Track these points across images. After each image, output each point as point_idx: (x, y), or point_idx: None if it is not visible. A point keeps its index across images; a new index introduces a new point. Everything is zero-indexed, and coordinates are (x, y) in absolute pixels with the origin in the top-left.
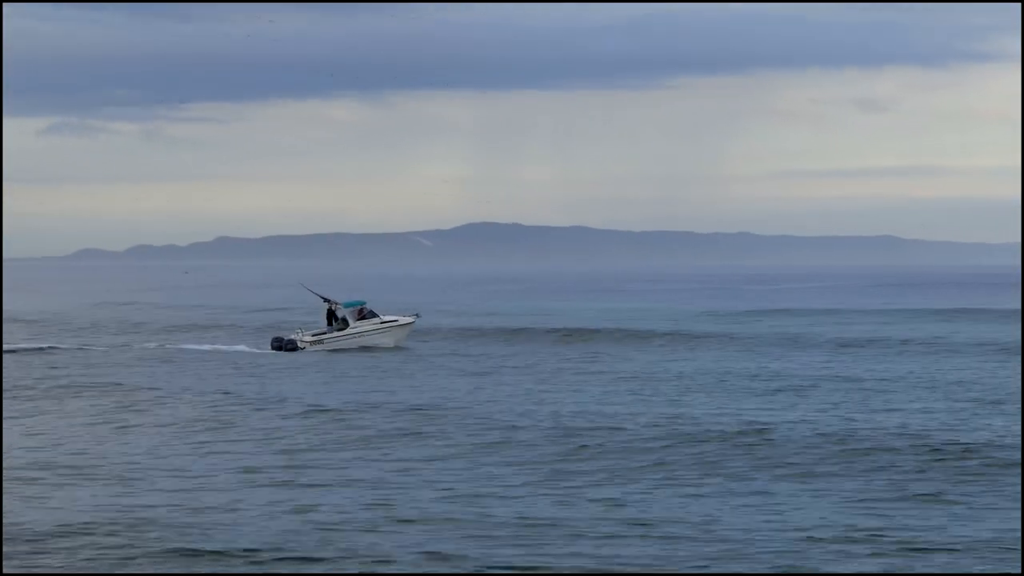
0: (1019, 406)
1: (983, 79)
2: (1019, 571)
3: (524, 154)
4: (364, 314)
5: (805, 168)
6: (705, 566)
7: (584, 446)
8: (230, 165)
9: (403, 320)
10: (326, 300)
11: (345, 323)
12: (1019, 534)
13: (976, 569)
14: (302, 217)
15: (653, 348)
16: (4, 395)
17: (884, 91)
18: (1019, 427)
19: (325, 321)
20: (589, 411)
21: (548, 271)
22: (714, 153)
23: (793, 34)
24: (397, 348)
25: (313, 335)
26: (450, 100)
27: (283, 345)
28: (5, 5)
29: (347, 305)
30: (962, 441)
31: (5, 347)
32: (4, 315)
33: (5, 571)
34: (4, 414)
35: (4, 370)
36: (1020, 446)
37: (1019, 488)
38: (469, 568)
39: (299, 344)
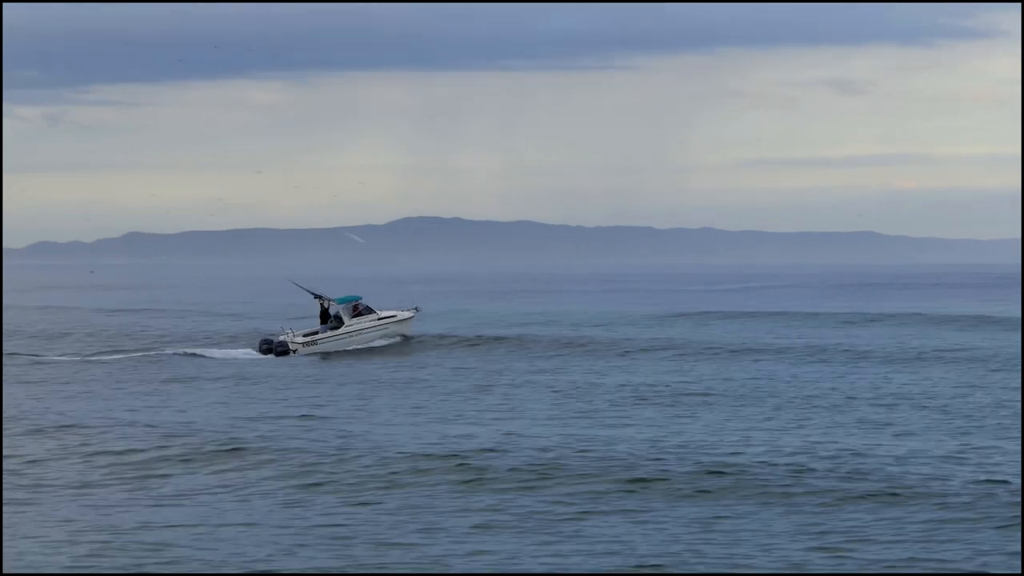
0: (899, 430)
1: (971, 59)
2: (1019, 571)
3: (466, 142)
4: (359, 310)
5: (775, 157)
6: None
7: (474, 480)
8: (142, 153)
9: (402, 315)
10: (318, 297)
11: (339, 321)
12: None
13: (976, 569)
14: (220, 211)
15: (542, 358)
16: None
17: (861, 72)
18: (918, 455)
19: (319, 320)
20: (451, 436)
21: (490, 270)
22: (675, 141)
23: (761, 9)
24: (399, 342)
25: (305, 335)
26: (384, 81)
27: (273, 348)
28: None
29: (340, 301)
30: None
31: None
32: None
33: (5, 571)
34: None
35: None
36: (1020, 450)
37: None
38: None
39: (290, 346)
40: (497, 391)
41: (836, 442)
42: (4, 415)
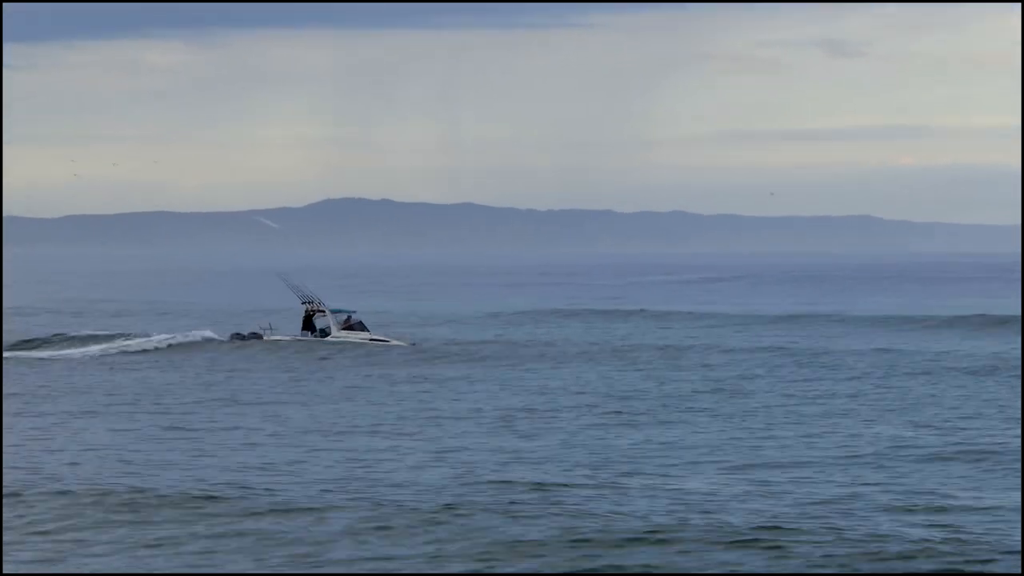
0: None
1: (981, 17)
2: (1019, 571)
3: (397, 112)
4: (351, 325)
5: (755, 129)
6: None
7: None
8: (20, 125)
9: (394, 342)
10: (307, 302)
11: (323, 333)
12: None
13: (976, 569)
14: (111, 191)
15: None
16: None
17: (856, 31)
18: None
19: (301, 325)
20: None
21: (420, 260)
22: (639, 111)
23: None
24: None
25: (283, 336)
26: (301, 41)
27: (245, 340)
28: None
29: (334, 311)
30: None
31: None
32: None
33: (5, 571)
34: None
35: None
36: (1020, 451)
37: None
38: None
39: (264, 336)
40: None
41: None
42: None
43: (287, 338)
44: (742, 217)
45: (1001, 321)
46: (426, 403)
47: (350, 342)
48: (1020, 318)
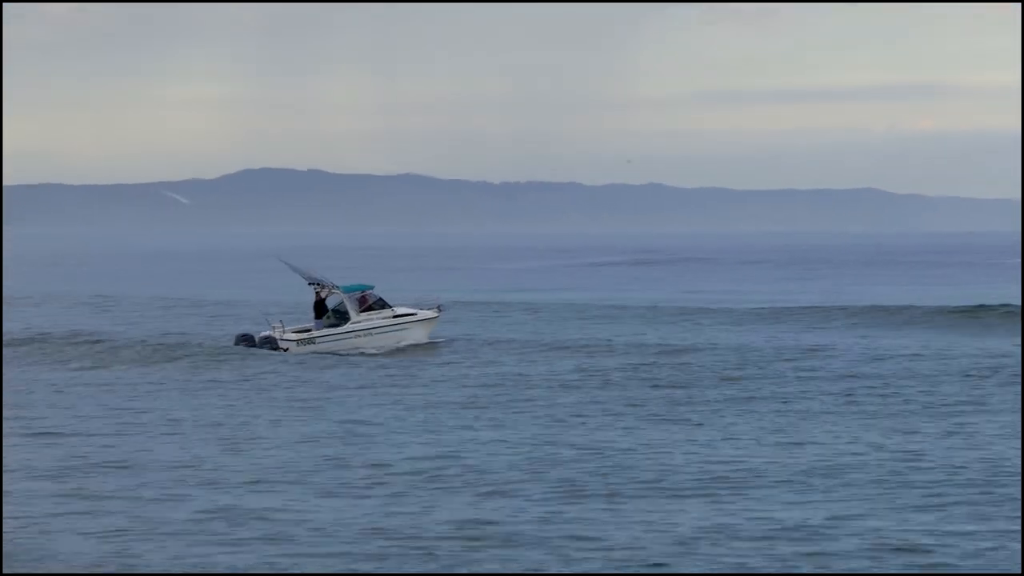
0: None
1: None
2: (1019, 571)
3: (327, 67)
4: (370, 303)
5: (744, 88)
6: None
7: None
8: None
9: (423, 313)
10: (314, 283)
11: (341, 317)
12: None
13: (976, 569)
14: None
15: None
16: None
17: None
18: None
19: (313, 313)
20: None
21: (350, 239)
22: (607, 66)
23: None
24: (413, 350)
25: (298, 332)
26: None
27: (257, 345)
28: None
29: (347, 290)
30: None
31: None
32: None
33: (5, 571)
34: None
35: None
36: (1020, 447)
37: None
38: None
39: (280, 344)
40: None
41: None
42: None
43: (297, 336)
44: (729, 191)
45: (969, 312)
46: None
47: (374, 328)
48: (1020, 311)
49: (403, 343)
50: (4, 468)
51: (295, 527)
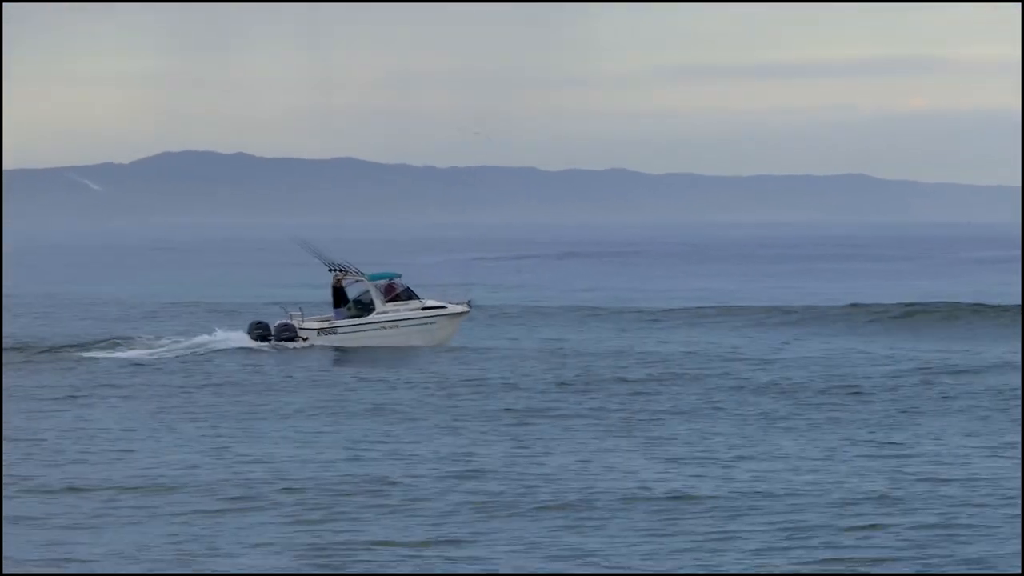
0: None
1: None
2: (1019, 571)
3: (253, 40)
4: (396, 293)
5: (718, 63)
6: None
7: None
8: None
9: (452, 307)
10: (336, 269)
11: (363, 307)
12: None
13: (976, 569)
14: None
15: None
16: None
17: None
18: None
19: (332, 301)
20: None
21: (273, 230)
22: (569, 38)
23: None
24: (439, 347)
25: (320, 321)
26: None
27: (274, 334)
28: None
29: (373, 278)
30: None
31: None
32: None
33: (5, 571)
34: None
35: None
36: (1020, 446)
37: None
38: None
39: (298, 332)
40: None
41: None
42: None
43: (318, 325)
44: (700, 177)
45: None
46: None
47: (400, 320)
48: (1020, 307)
49: (432, 339)
50: None
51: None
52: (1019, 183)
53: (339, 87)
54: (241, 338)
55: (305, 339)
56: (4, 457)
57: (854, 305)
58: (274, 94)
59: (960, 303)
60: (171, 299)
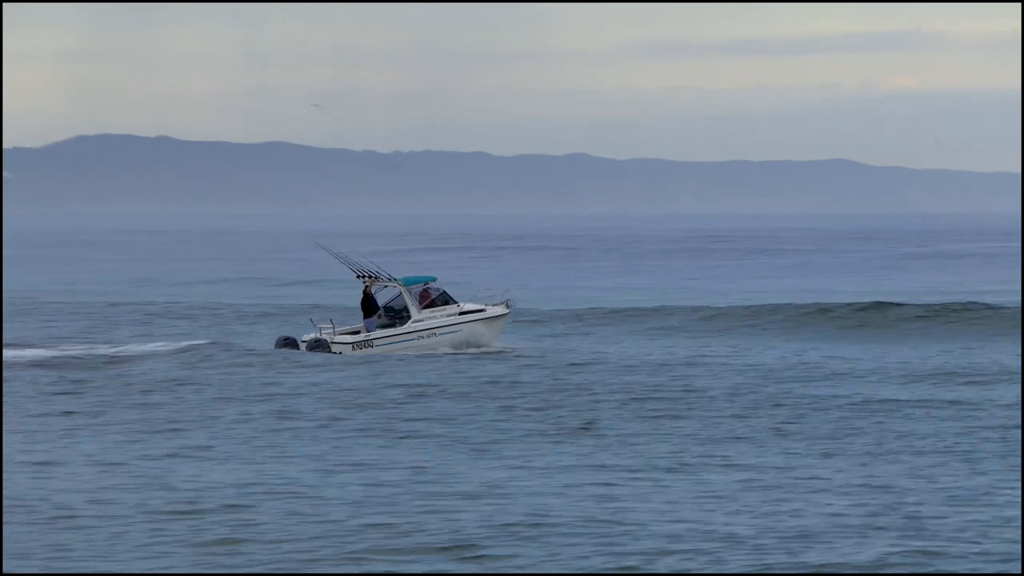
0: None
1: None
2: (1019, 571)
3: (179, 15)
4: (432, 298)
5: (686, 40)
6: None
7: None
8: None
9: (492, 310)
10: (364, 275)
11: (395, 315)
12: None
13: (977, 569)
14: None
15: None
16: None
17: None
18: None
19: (361, 311)
20: None
21: (192, 221)
22: (521, 12)
23: None
24: (481, 351)
25: (352, 332)
26: None
27: (306, 349)
28: None
29: (408, 283)
30: None
31: None
32: None
33: (5, 571)
34: None
35: None
36: (1020, 445)
37: None
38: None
39: (331, 346)
40: None
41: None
42: None
43: (352, 338)
44: (669, 163)
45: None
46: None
47: (438, 328)
48: (1021, 308)
49: (472, 345)
50: None
51: None
52: (1020, 170)
53: (272, 65)
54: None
55: (339, 354)
56: None
57: (695, 309)
58: (201, 72)
59: (810, 304)
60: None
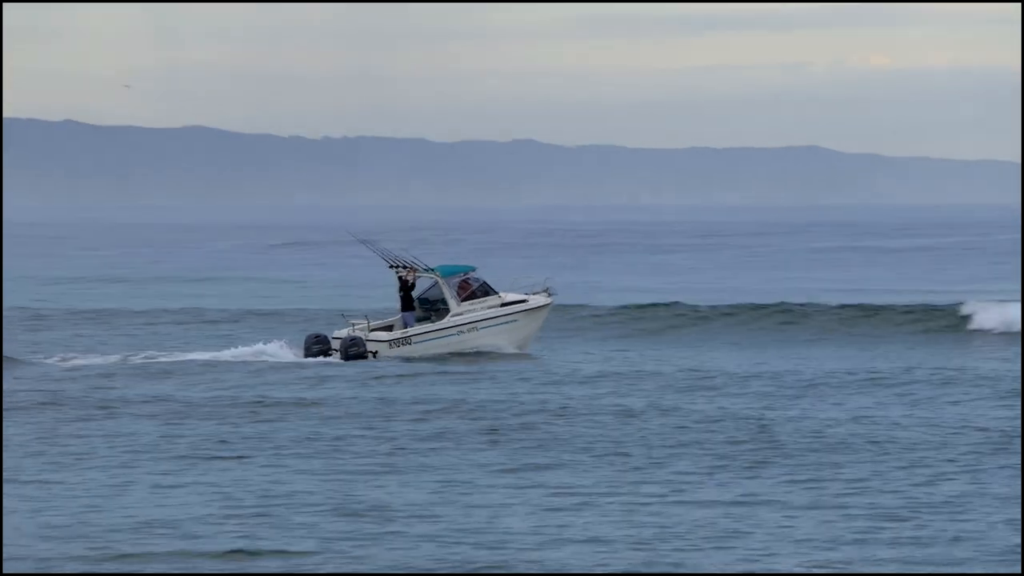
0: None
1: None
2: (1019, 571)
3: None
4: (472, 289)
5: (641, 12)
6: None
7: None
8: None
9: (534, 299)
10: (398, 265)
11: (430, 307)
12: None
13: (977, 569)
14: None
15: None
16: None
17: None
18: None
19: (400, 303)
20: None
21: (103, 212)
22: None
23: None
24: (520, 351)
25: (386, 327)
26: None
27: (341, 349)
28: None
29: (446, 273)
30: None
31: None
32: None
33: (5, 571)
34: None
35: None
36: (1020, 447)
37: None
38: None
39: (367, 346)
40: None
41: None
42: None
43: (388, 336)
44: (623, 149)
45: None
46: None
47: (480, 321)
48: (1020, 305)
49: (516, 339)
50: None
51: None
52: (1008, 158)
53: (188, 43)
54: (281, 352)
55: (374, 353)
56: None
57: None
58: (111, 51)
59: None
60: None
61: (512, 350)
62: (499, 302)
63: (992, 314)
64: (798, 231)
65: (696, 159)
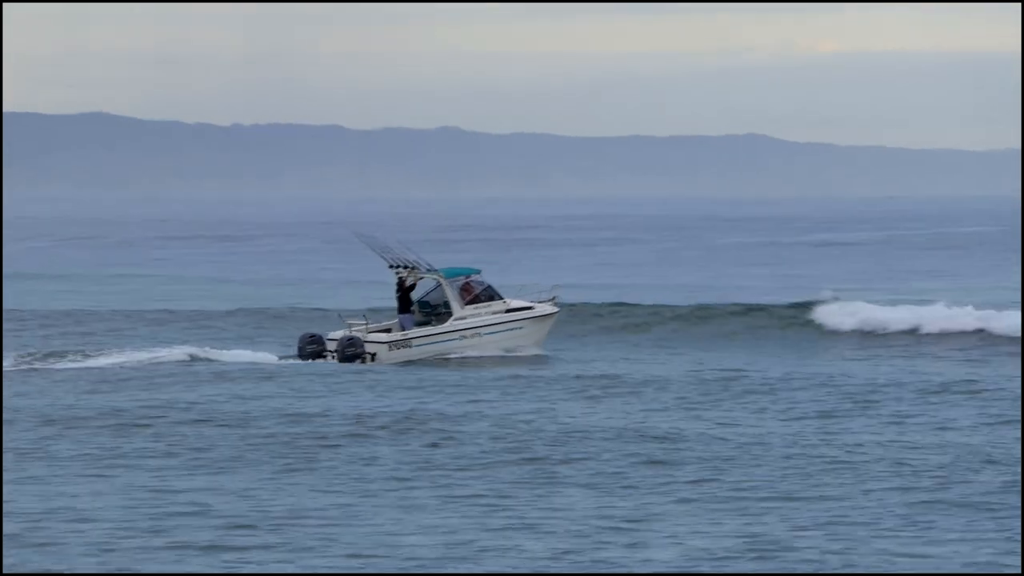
0: None
1: None
2: (1019, 572)
3: None
4: (476, 293)
5: None
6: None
7: None
8: None
9: (540, 307)
10: (399, 266)
11: (431, 310)
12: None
13: (977, 570)
14: None
15: None
16: None
17: None
18: None
19: (397, 305)
20: None
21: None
22: None
23: None
24: (532, 356)
25: (386, 329)
26: None
27: (337, 351)
28: None
29: (449, 274)
30: None
31: None
32: None
33: (5, 571)
34: None
35: None
36: (1021, 452)
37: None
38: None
39: (365, 347)
40: None
41: None
42: None
43: (388, 337)
44: (555, 138)
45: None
46: None
47: (482, 327)
48: (1021, 315)
49: (519, 346)
50: None
51: None
52: (975, 148)
53: (87, 25)
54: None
55: (373, 355)
56: None
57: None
58: (8, 35)
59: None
60: None
61: (513, 355)
62: (504, 308)
63: (843, 314)
64: (711, 226)
65: (637, 148)
